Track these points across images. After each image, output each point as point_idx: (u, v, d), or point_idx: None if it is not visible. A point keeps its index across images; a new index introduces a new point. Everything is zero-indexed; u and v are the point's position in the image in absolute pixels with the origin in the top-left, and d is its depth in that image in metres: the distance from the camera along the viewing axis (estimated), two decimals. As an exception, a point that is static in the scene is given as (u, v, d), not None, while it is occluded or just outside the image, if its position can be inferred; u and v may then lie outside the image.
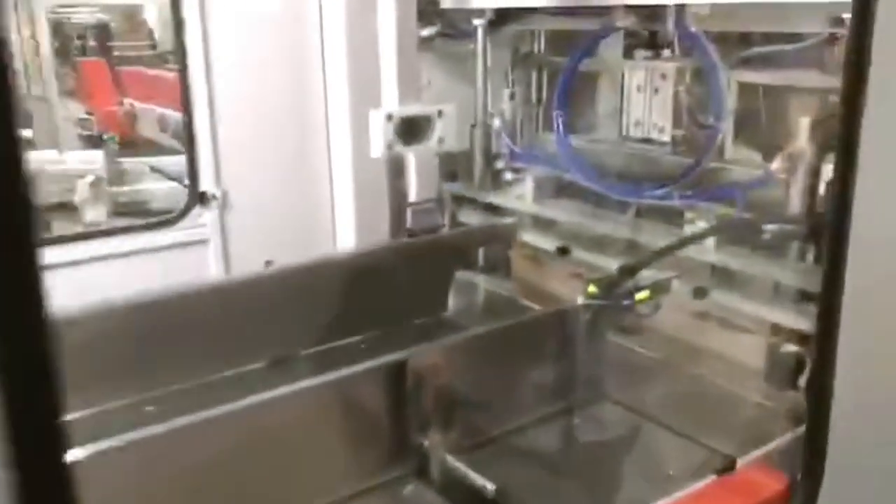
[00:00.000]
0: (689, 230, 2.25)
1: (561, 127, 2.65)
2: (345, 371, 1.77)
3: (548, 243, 2.75)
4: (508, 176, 2.96)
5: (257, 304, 2.47)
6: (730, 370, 2.21)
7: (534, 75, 3.09)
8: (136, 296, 2.30)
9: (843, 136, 1.19)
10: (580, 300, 2.01)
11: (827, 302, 1.36)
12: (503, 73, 3.10)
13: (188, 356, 2.34)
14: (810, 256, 2.08)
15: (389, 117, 2.58)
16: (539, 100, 3.10)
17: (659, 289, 2.17)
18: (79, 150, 6.25)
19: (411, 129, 2.67)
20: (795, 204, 2.07)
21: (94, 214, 4.86)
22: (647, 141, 2.53)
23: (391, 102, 2.62)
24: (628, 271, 2.02)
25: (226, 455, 1.71)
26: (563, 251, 2.66)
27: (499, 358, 1.95)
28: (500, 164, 3.02)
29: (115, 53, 8.07)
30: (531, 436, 1.93)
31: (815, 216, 2.06)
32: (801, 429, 1.91)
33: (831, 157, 2.03)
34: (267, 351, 2.47)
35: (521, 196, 2.88)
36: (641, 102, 2.50)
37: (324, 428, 1.78)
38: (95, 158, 5.17)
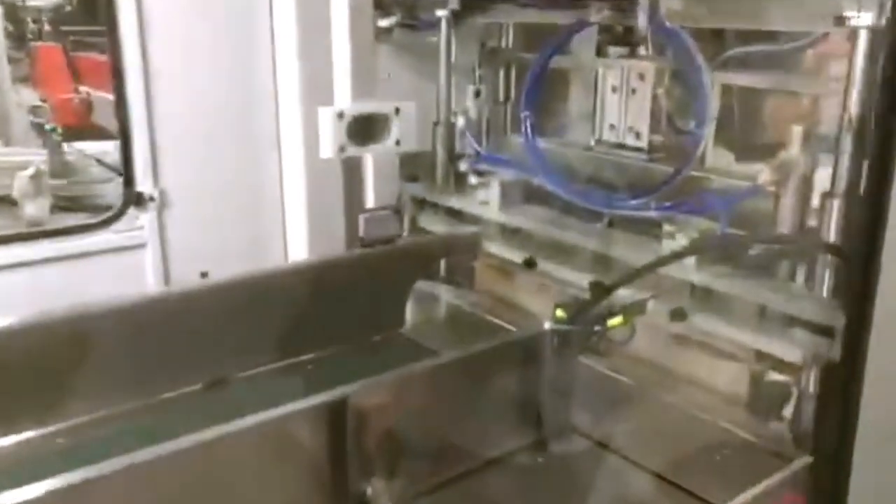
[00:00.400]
0: (667, 245, 2.05)
1: (529, 129, 2.43)
2: (275, 412, 1.54)
3: (514, 254, 2.54)
4: (473, 180, 2.74)
5: (193, 319, 2.23)
6: (711, 400, 2.03)
7: (501, 72, 2.88)
8: (49, 311, 2.06)
9: (878, 145, 1.00)
10: (546, 325, 1.80)
11: (856, 319, 1.18)
12: (469, 69, 2.89)
13: (110, 379, 2.10)
14: (800, 277, 1.89)
15: (341, 115, 2.34)
16: (507, 98, 2.89)
17: (633, 311, 1.97)
18: (33, 139, 5.94)
19: (366, 129, 2.43)
20: (786, 219, 1.88)
21: (35, 209, 4.54)
22: (622, 147, 2.33)
23: (343, 99, 2.38)
24: (600, 294, 1.81)
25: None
26: (529, 264, 2.46)
27: (453, 392, 1.74)
28: (463, 167, 2.80)
29: (72, 38, 7.73)
30: (488, 480, 1.71)
31: (807, 233, 1.87)
32: (787, 471, 1.76)
33: (823, 167, 1.85)
34: (203, 372, 2.24)
35: (485, 202, 2.66)
36: (616, 104, 2.30)
37: (249, 474, 1.55)
38: (36, 150, 4.85)
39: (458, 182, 2.86)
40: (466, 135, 2.79)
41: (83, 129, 6.59)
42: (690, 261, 1.99)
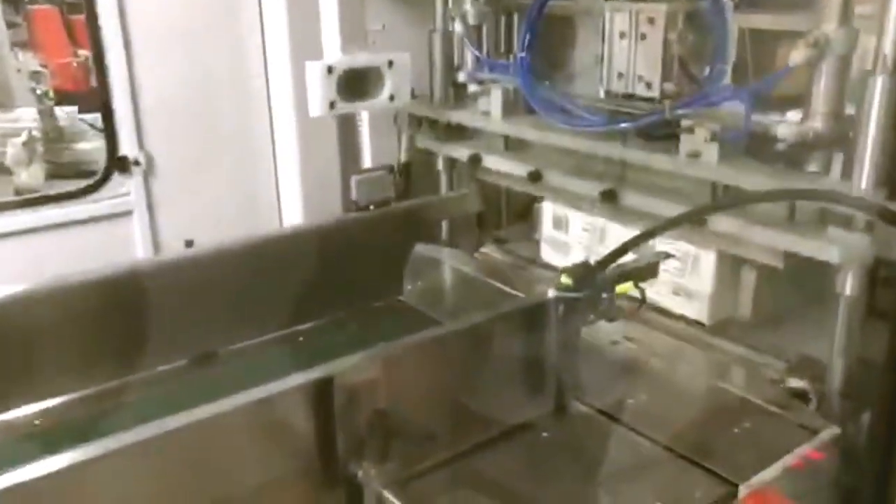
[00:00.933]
0: (686, 143, 1.88)
1: (526, 73, 2.25)
2: (256, 393, 1.42)
3: (517, 167, 2.38)
4: (473, 87, 2.56)
5: (180, 291, 2.12)
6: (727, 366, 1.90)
7: (502, 20, 2.69)
8: (33, 285, 1.95)
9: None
10: (551, 293, 1.66)
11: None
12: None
13: (92, 355, 2.00)
14: (836, 170, 1.72)
15: (330, 70, 2.18)
16: (508, 50, 2.70)
17: (644, 274, 1.83)
18: (33, 105, 5.81)
19: (357, 84, 2.28)
20: (819, 104, 1.70)
21: (29, 177, 4.43)
22: (631, 97, 2.16)
23: (332, 52, 2.22)
24: (609, 258, 1.67)
25: (124, 488, 1.37)
26: (534, 176, 2.28)
27: (449, 366, 1.61)
28: (462, 77, 2.63)
29: (69, 0, 7.55)
30: (488, 458, 1.59)
31: (844, 120, 1.69)
32: (813, 444, 1.64)
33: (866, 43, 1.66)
34: (190, 346, 2.13)
35: (486, 112, 2.49)
36: (625, 51, 2.12)
37: (232, 458, 1.45)
38: (29, 115, 4.73)
39: (458, 95, 2.69)
40: (465, 41, 2.60)
41: (82, 93, 6.45)
42: (712, 159, 1.83)
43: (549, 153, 2.36)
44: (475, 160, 2.51)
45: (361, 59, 2.23)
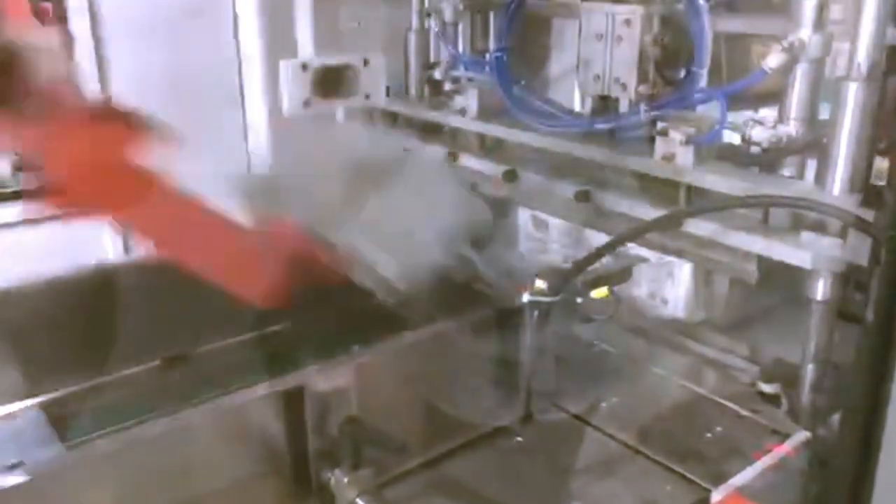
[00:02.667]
0: (660, 145, 1.88)
1: (502, 71, 2.24)
2: (229, 398, 1.41)
3: (492, 168, 2.36)
4: (448, 86, 2.55)
5: (150, 291, 2.08)
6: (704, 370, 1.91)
7: (478, 19, 2.68)
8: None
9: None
10: (525, 297, 1.65)
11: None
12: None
13: (60, 356, 1.95)
14: (810, 174, 1.74)
15: (304, 67, 2.16)
16: (484, 49, 2.69)
17: (619, 277, 1.83)
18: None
19: (332, 82, 2.26)
20: (792, 109, 1.71)
21: (-6, 171, 4.32)
22: (606, 100, 2.15)
23: (307, 50, 2.20)
24: (582, 263, 1.67)
25: (89, 495, 1.35)
26: (510, 176, 2.28)
27: (422, 371, 1.60)
28: (438, 75, 2.61)
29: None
30: (462, 464, 1.58)
31: (818, 125, 1.71)
32: (784, 448, 1.65)
33: (841, 46, 1.66)
34: (161, 347, 2.09)
35: (462, 110, 2.47)
36: (601, 53, 2.12)
37: (201, 466, 1.42)
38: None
39: (434, 92, 2.67)
40: (441, 38, 2.58)
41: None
42: (687, 161, 1.83)
43: (526, 151, 2.35)
44: (452, 158, 2.50)
45: (336, 57, 2.22)
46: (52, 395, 1.94)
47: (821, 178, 1.67)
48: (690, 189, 1.89)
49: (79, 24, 2.42)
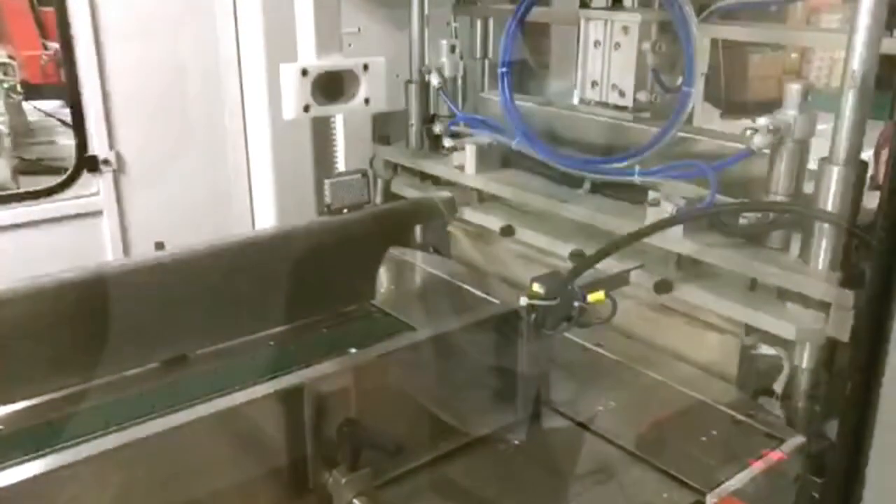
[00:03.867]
0: (651, 214, 1.91)
1: (507, 88, 2.27)
2: (229, 399, 1.42)
3: (491, 221, 2.40)
4: (448, 142, 2.58)
5: (150, 293, 2.09)
6: (697, 377, 1.92)
7: (478, 26, 2.70)
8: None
9: None
10: (522, 301, 1.67)
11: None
12: (444, 22, 2.71)
13: (61, 358, 1.96)
14: (795, 248, 1.76)
15: (305, 72, 2.17)
16: (484, 55, 2.72)
17: (615, 283, 1.85)
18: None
19: (333, 87, 2.27)
20: (779, 185, 1.75)
21: (-5, 173, 4.35)
22: (605, 105, 2.17)
23: (307, 55, 2.21)
24: (579, 268, 1.68)
25: (91, 495, 1.36)
26: (507, 231, 2.32)
27: (421, 374, 1.61)
28: (438, 129, 2.64)
29: (38, -11, 7.40)
30: (459, 467, 1.59)
31: (803, 200, 1.75)
32: (779, 453, 1.66)
33: (822, 126, 1.71)
34: (161, 350, 2.10)
35: (460, 166, 2.50)
36: (599, 60, 2.14)
37: (200, 467, 1.43)
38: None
39: (433, 144, 2.70)
40: (441, 94, 2.62)
41: (51, 87, 6.33)
42: (678, 231, 1.86)
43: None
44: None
45: (337, 61, 2.22)
46: (51, 395, 1.95)
47: (805, 251, 1.72)
48: (680, 257, 1.92)
49: (81, 32, 2.43)
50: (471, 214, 2.49)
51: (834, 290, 1.61)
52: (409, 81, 2.68)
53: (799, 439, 1.66)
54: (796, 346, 1.72)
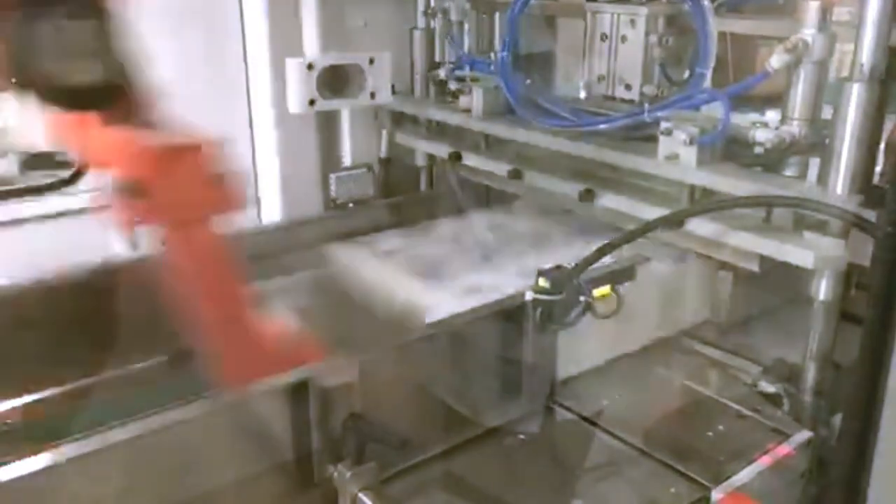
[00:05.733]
0: (664, 145, 1.87)
1: (508, 72, 2.24)
2: (232, 394, 1.41)
3: (496, 166, 2.37)
4: (453, 85, 2.55)
5: (156, 287, 2.09)
6: (704, 368, 1.92)
7: (485, 20, 2.69)
8: (6, 281, 1.92)
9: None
10: (528, 295, 1.66)
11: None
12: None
13: (69, 352, 1.97)
14: (812, 174, 1.73)
15: (310, 67, 2.18)
16: (490, 50, 2.70)
17: (622, 276, 1.84)
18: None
19: (338, 81, 2.28)
20: (796, 109, 1.72)
21: (2, 167, 4.35)
22: (611, 100, 2.16)
23: (312, 49, 2.22)
24: (585, 261, 1.68)
25: (98, 488, 1.36)
26: (515, 174, 2.27)
27: (427, 368, 1.61)
28: (443, 74, 2.62)
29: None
30: (465, 461, 1.59)
31: (820, 126, 1.71)
32: (785, 447, 1.65)
33: (845, 50, 1.68)
34: (168, 344, 2.11)
35: (467, 109, 2.46)
36: (605, 53, 2.13)
37: (211, 455, 1.44)
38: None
39: (439, 91, 2.68)
40: (447, 38, 2.59)
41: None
42: (690, 161, 1.83)
43: (530, 150, 2.35)
44: (455, 157, 2.50)
45: (342, 56, 2.23)
46: (57, 389, 1.96)
47: (823, 178, 1.67)
48: (694, 188, 1.89)
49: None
50: (475, 160, 2.45)
51: (854, 211, 1.55)
52: (414, 28, 2.65)
53: (805, 434, 1.66)
54: (814, 278, 1.66)
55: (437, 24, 2.62)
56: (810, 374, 1.72)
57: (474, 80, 2.50)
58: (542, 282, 1.64)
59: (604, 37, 2.14)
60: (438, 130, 2.67)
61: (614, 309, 1.71)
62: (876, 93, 1.56)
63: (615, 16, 2.10)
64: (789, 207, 1.71)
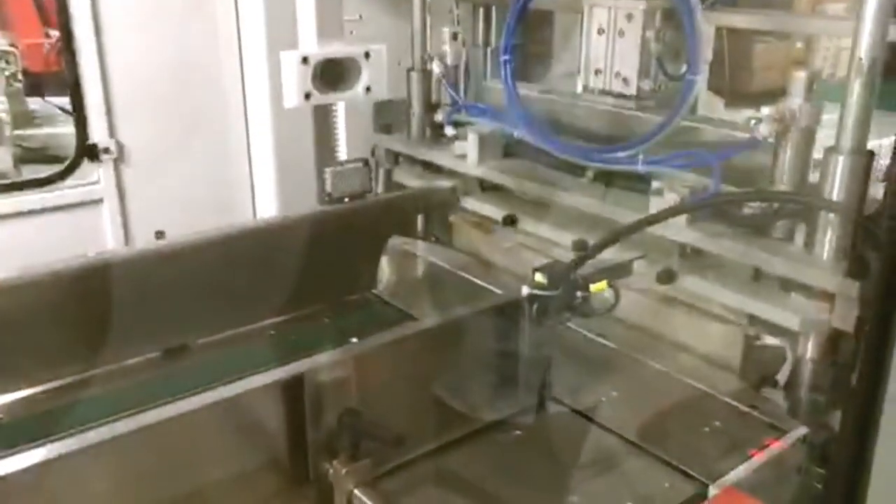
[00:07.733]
0: (655, 203, 1.90)
1: (509, 76, 2.25)
2: (229, 388, 1.41)
3: (493, 211, 2.38)
4: (450, 131, 2.56)
5: (151, 282, 2.08)
6: (700, 367, 1.91)
7: (480, 13, 2.68)
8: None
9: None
10: (524, 291, 1.66)
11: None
12: (446, 10, 2.68)
13: (62, 347, 1.96)
14: (799, 238, 1.75)
15: (305, 60, 2.15)
16: (486, 43, 2.69)
17: (618, 273, 1.84)
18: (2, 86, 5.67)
19: (334, 75, 2.25)
20: (785, 175, 1.74)
21: (-2, 162, 4.32)
22: (608, 94, 2.15)
23: (308, 42, 2.19)
24: (581, 257, 1.67)
25: (91, 484, 1.36)
26: (510, 221, 2.31)
27: (421, 364, 1.60)
28: (440, 117, 2.62)
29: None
30: (460, 457, 1.59)
31: (808, 190, 1.73)
32: (782, 443, 1.65)
33: (828, 117, 1.69)
34: (162, 339, 2.10)
35: (462, 155, 2.48)
36: (603, 48, 2.12)
37: (206, 451, 1.43)
38: (-7, 97, 4.60)
39: (435, 133, 2.68)
40: (443, 82, 2.60)
41: (53, 75, 6.30)
42: (681, 220, 1.85)
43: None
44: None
45: (338, 49, 2.21)
46: (52, 383, 1.95)
47: (809, 245, 1.70)
48: (683, 247, 1.91)
49: (81, 17, 2.42)
50: (473, 204, 2.47)
51: (839, 280, 1.59)
52: (411, 69, 2.65)
53: (802, 430, 1.65)
54: (800, 337, 1.70)
55: (433, 67, 2.60)
56: (807, 371, 1.72)
57: (470, 124, 2.50)
58: (539, 277, 1.63)
59: (601, 31, 2.12)
60: (436, 169, 2.65)
61: (611, 304, 1.70)
62: (861, 164, 1.58)
63: (612, 10, 2.09)
64: (789, 205, 1.72)
